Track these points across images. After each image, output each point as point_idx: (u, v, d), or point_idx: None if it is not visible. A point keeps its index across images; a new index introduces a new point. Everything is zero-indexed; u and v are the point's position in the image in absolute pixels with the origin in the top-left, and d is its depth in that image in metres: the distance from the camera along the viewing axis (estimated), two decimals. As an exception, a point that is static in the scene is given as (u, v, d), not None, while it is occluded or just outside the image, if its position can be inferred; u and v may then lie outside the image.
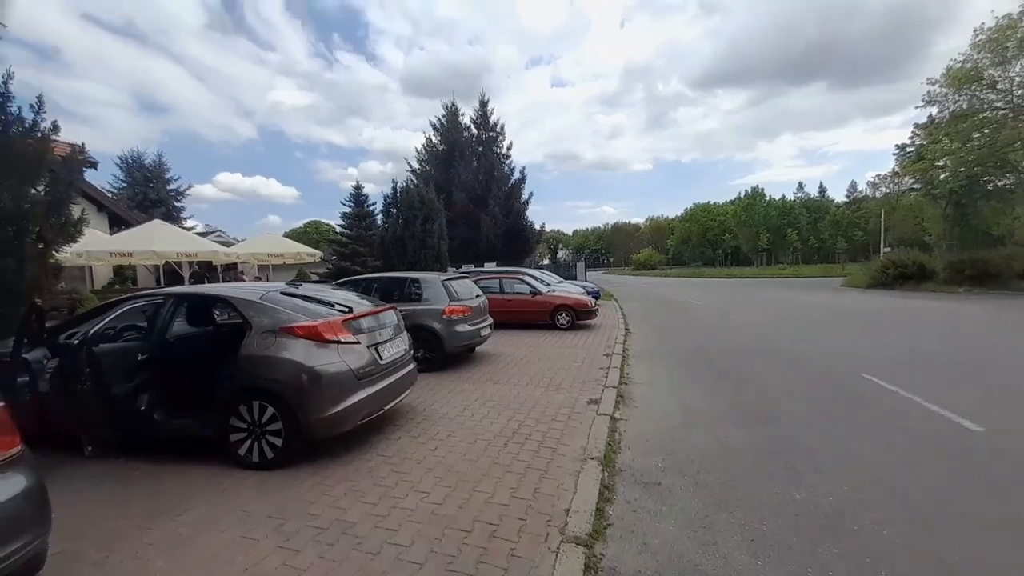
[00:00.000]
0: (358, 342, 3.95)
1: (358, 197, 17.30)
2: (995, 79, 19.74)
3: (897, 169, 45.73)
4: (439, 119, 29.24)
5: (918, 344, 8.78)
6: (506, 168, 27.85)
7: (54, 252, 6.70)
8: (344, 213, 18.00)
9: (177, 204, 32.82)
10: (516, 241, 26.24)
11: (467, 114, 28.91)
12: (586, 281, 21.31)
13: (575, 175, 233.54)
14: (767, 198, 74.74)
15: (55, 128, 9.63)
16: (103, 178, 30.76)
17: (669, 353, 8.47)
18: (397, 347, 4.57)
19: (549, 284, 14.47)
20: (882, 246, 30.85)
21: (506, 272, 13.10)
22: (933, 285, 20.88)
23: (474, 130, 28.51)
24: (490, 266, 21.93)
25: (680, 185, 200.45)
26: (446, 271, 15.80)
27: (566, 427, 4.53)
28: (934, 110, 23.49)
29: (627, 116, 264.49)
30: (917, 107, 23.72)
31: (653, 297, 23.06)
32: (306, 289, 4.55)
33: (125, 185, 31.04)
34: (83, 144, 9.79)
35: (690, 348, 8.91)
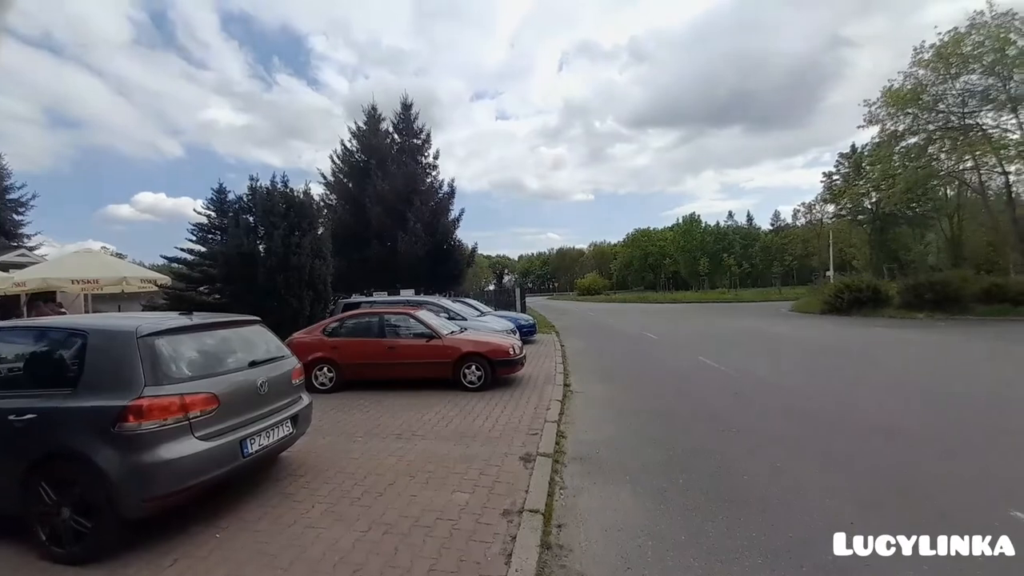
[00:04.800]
0: None
1: (221, 201, 12.60)
2: (938, 96, 19.17)
3: (826, 196, 47.64)
4: (358, 124, 25.23)
5: (987, 412, 5.87)
6: (432, 180, 24.23)
7: None
8: (198, 224, 13.21)
9: (17, 217, 25.97)
10: (444, 264, 22.39)
11: (388, 118, 25.13)
12: (520, 312, 17.74)
13: (521, 203, 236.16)
14: (703, 225, 76.84)
15: None
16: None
17: (640, 449, 4.86)
18: None
19: (464, 319, 10.73)
20: (832, 269, 30.22)
21: (391, 306, 9.23)
22: (891, 310, 19.47)
23: (396, 136, 24.74)
24: (407, 293, 17.89)
25: (619, 214, 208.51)
26: (327, 304, 11.58)
27: None
28: (875, 130, 22.97)
29: (568, 150, 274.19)
30: (860, 126, 23.08)
31: (601, 329, 19.92)
32: None
33: (-54, 192, 24.02)
34: None
35: (672, 430, 5.38)
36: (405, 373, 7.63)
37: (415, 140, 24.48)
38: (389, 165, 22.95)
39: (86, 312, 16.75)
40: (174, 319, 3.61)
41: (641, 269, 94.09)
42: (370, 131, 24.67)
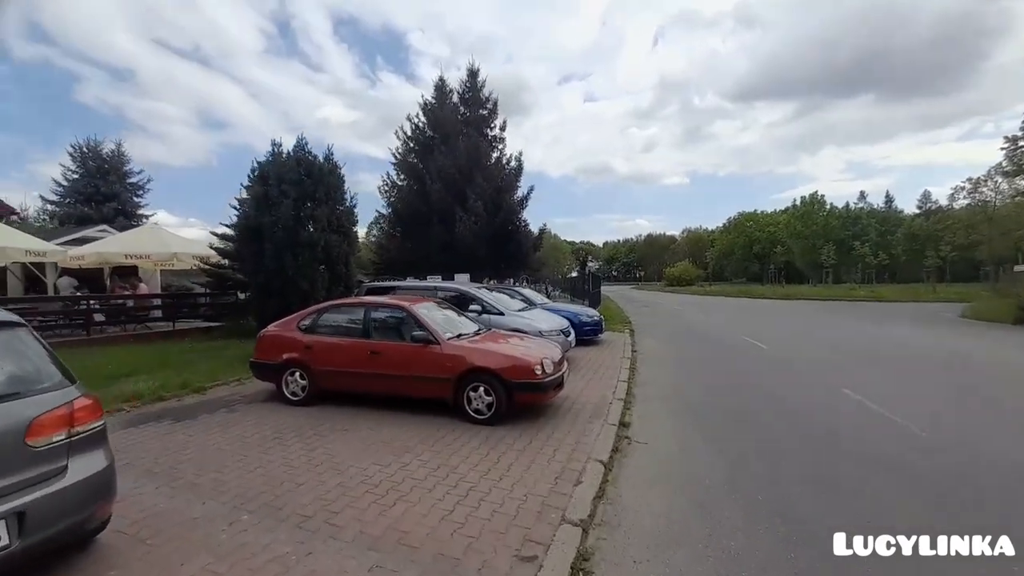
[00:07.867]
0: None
1: (264, 172, 11.16)
2: None
3: (1007, 168, 36.51)
4: (426, 99, 23.87)
5: None
6: (498, 155, 22.01)
7: None
8: (241, 199, 12.33)
9: (136, 199, 29.23)
10: (506, 246, 20.22)
11: (455, 90, 23.32)
12: (583, 305, 14.84)
13: (608, 188, 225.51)
14: (827, 207, 64.96)
15: None
16: (54, 170, 27.37)
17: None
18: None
19: (501, 313, 8.38)
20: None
21: (379, 297, 7.19)
22: None
23: (462, 108, 22.88)
24: (462, 279, 16.04)
25: (718, 199, 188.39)
26: (348, 287, 9.97)
27: None
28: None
29: (661, 129, 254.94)
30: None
31: (689, 329, 16.30)
32: None
33: (77, 177, 27.65)
34: None
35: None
36: (390, 388, 5.52)
37: (481, 111, 22.43)
38: (453, 139, 21.22)
39: (162, 287, 17.47)
40: None
41: (744, 258, 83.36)
42: (439, 104, 23.17)
